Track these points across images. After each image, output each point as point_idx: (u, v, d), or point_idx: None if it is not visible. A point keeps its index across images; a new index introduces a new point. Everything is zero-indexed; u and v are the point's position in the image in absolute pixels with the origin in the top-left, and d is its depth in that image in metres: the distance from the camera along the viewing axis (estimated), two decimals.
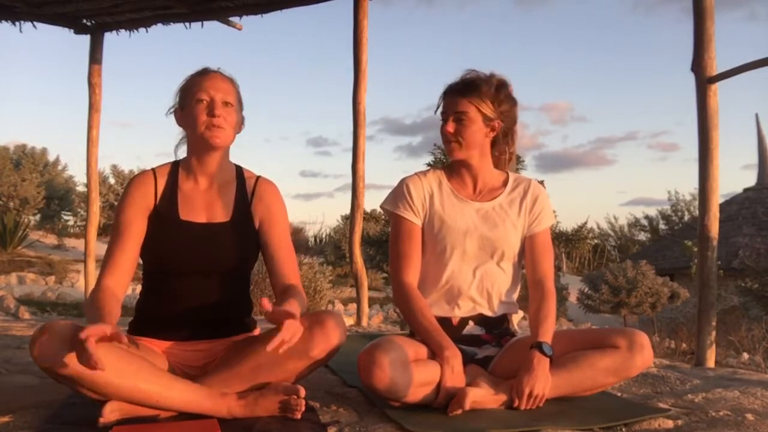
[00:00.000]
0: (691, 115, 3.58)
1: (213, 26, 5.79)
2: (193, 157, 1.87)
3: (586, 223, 13.14)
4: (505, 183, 2.10)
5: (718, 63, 3.52)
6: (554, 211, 2.43)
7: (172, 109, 1.89)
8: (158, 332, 1.85)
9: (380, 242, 12.60)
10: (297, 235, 21.53)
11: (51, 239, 16.40)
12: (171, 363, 1.82)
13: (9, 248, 13.06)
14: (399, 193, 2.06)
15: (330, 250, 17.95)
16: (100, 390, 1.58)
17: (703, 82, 3.51)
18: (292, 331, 1.55)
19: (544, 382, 1.80)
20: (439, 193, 2.05)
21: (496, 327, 2.05)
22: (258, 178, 1.95)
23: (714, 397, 2.07)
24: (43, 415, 1.74)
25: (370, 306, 6.03)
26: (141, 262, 1.89)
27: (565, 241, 12.87)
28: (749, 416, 1.77)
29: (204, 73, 1.85)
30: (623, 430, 1.72)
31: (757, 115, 16.53)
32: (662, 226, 23.26)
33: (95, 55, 5.99)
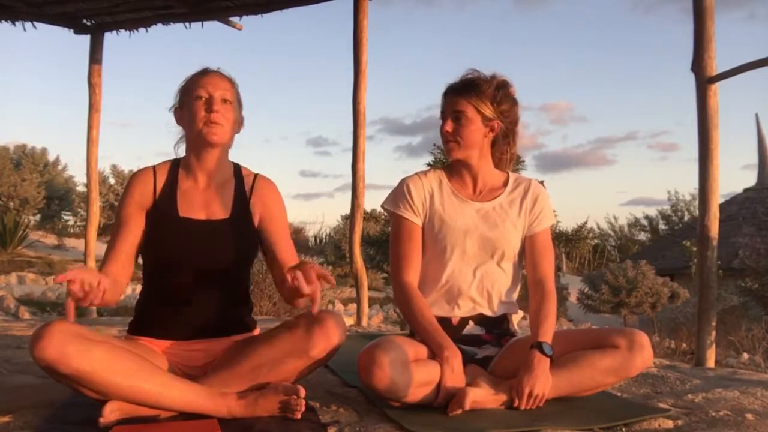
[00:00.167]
0: (691, 115, 3.58)
1: (213, 26, 5.80)
2: (192, 155, 1.88)
3: (586, 223, 13.09)
4: (505, 183, 2.10)
5: (718, 63, 3.53)
6: (554, 211, 2.43)
7: (172, 108, 1.91)
8: (158, 332, 1.85)
9: (380, 242, 12.58)
10: (297, 235, 21.52)
11: (51, 239, 16.40)
12: (171, 363, 1.82)
13: (9, 248, 13.06)
14: (399, 193, 2.06)
15: (330, 250, 17.95)
16: (99, 389, 1.58)
17: (703, 82, 3.51)
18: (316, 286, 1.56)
19: (544, 382, 1.80)
20: (439, 193, 2.05)
21: (496, 327, 2.05)
22: (256, 175, 1.96)
23: (714, 397, 2.07)
24: (43, 415, 1.74)
25: (370, 306, 6.03)
26: (141, 262, 1.90)
27: (565, 241, 12.84)
28: (749, 416, 1.77)
29: (203, 73, 1.87)
30: (623, 430, 1.72)
31: (757, 115, 16.51)
32: (662, 226, 23.26)
33: (95, 55, 5.98)
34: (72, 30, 5.96)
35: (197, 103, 1.81)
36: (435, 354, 1.86)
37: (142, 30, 5.90)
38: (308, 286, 1.56)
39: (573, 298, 13.22)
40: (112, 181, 17.78)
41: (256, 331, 1.96)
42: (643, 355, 1.86)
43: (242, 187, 1.92)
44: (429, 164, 11.79)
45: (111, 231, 1.87)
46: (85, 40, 6.00)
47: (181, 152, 1.93)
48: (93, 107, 5.99)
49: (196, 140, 1.84)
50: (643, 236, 24.34)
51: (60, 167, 19.74)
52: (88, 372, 1.54)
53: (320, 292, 1.59)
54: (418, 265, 2.02)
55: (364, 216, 5.41)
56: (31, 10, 5.53)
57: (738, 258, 11.78)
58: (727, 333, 6.80)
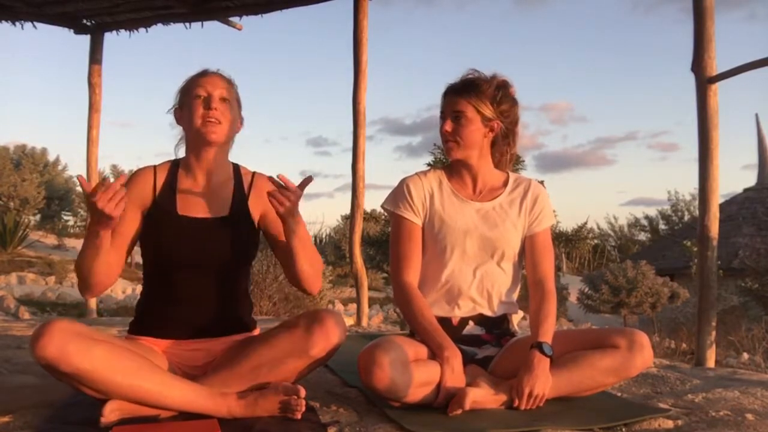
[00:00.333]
0: (691, 115, 3.58)
1: (213, 26, 5.80)
2: (192, 155, 1.89)
3: (586, 223, 13.11)
4: (505, 183, 2.10)
5: (718, 63, 3.53)
6: (554, 211, 2.43)
7: (172, 109, 1.92)
8: (158, 331, 1.85)
9: (380, 242, 12.58)
10: None
11: (51, 239, 16.40)
12: (171, 363, 1.82)
13: (9, 248, 13.06)
14: (399, 193, 2.06)
15: (330, 250, 17.96)
16: (100, 388, 1.59)
17: (703, 82, 3.51)
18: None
19: (544, 382, 1.80)
20: (439, 193, 2.05)
21: (496, 327, 2.04)
22: (254, 174, 1.97)
23: (714, 397, 2.07)
24: (43, 415, 1.74)
25: (370, 306, 6.03)
26: (141, 262, 1.90)
27: (565, 241, 12.86)
28: (749, 416, 1.77)
29: (203, 74, 1.89)
30: (623, 430, 1.72)
31: (757, 115, 16.51)
32: (662, 226, 23.26)
33: (95, 55, 5.98)
34: (72, 30, 5.96)
35: (196, 101, 1.83)
36: (435, 354, 1.86)
37: (142, 30, 5.89)
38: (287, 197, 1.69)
39: (573, 298, 13.22)
40: (112, 181, 17.75)
41: (256, 331, 1.96)
42: (643, 355, 1.86)
43: (241, 186, 1.93)
44: (429, 164, 11.79)
45: None
46: (85, 40, 6.00)
47: (181, 153, 1.94)
48: (93, 107, 5.99)
49: (195, 139, 1.85)
50: (643, 236, 24.35)
51: (60, 167, 19.75)
52: (88, 371, 1.55)
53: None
54: (418, 265, 2.02)
55: (364, 216, 5.41)
56: (31, 10, 5.53)
57: (738, 258, 11.78)
58: (727, 333, 6.79)
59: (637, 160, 46.30)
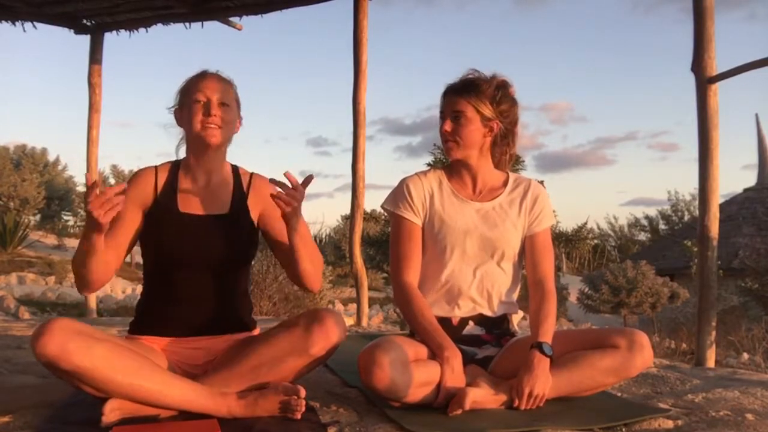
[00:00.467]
0: (691, 115, 3.58)
1: (213, 26, 5.80)
2: (192, 156, 1.92)
3: (586, 223, 13.10)
4: (505, 183, 2.10)
5: (718, 63, 3.52)
6: (554, 211, 2.43)
7: (172, 109, 1.94)
8: (158, 330, 1.86)
9: (380, 242, 12.58)
10: None
11: (51, 239, 16.41)
12: (171, 362, 1.82)
13: (9, 248, 13.06)
14: (399, 193, 2.06)
15: (330, 250, 17.97)
16: (100, 386, 1.59)
17: (703, 82, 3.51)
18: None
19: (544, 382, 1.80)
20: (439, 193, 2.05)
21: (496, 327, 2.04)
22: (252, 174, 2.01)
23: (714, 397, 2.07)
24: (43, 415, 1.74)
25: (370, 306, 6.03)
26: (142, 262, 1.91)
27: (565, 241, 12.85)
28: (749, 416, 1.77)
29: (202, 76, 1.90)
30: (623, 430, 1.72)
31: (757, 115, 16.50)
32: (662, 226, 23.27)
33: (95, 55, 5.98)
34: (72, 30, 5.96)
35: (196, 106, 1.85)
36: (435, 354, 1.86)
37: (142, 30, 5.89)
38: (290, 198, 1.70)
39: (573, 298, 13.22)
40: (112, 181, 17.77)
41: (256, 331, 1.97)
42: (643, 355, 1.86)
43: (240, 185, 1.96)
44: (429, 164, 11.79)
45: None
46: (85, 40, 5.99)
47: (182, 153, 1.97)
48: (93, 107, 5.98)
49: (195, 142, 1.88)
50: (643, 236, 24.35)
51: (60, 167, 19.76)
52: (88, 369, 1.55)
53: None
54: (418, 265, 2.02)
55: (364, 216, 5.41)
56: (31, 10, 5.53)
57: (738, 258, 11.78)
58: (727, 333, 6.79)
59: (637, 160, 46.36)
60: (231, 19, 5.73)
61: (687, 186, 24.79)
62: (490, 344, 2.03)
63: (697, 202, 4.13)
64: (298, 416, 1.67)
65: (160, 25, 5.75)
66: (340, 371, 2.33)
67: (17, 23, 5.63)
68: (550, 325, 1.91)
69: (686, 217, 22.15)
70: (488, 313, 2.03)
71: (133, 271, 12.80)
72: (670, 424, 1.75)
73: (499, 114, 1.99)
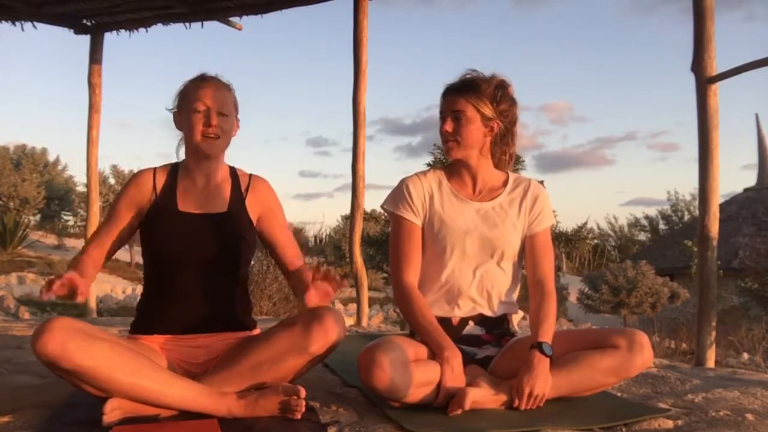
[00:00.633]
0: (691, 115, 3.59)
1: (213, 26, 5.80)
2: (191, 160, 1.96)
3: (586, 223, 13.09)
4: (505, 183, 2.10)
5: (718, 63, 3.53)
6: (554, 212, 2.43)
7: (171, 112, 1.97)
8: (158, 328, 1.87)
9: (380, 242, 12.58)
10: (297, 235, 21.51)
11: (51, 239, 16.40)
12: (171, 360, 1.83)
13: (9, 248, 13.06)
14: (399, 194, 2.06)
15: (330, 250, 17.98)
16: (100, 385, 1.60)
17: (703, 82, 3.51)
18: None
19: (544, 382, 1.80)
20: (439, 193, 2.05)
21: (496, 327, 2.04)
22: (251, 175, 2.04)
23: (714, 397, 2.07)
24: (43, 415, 1.74)
25: (370, 306, 6.03)
26: (141, 262, 1.93)
27: (565, 241, 12.84)
28: (749, 416, 1.77)
29: (201, 81, 1.92)
30: (623, 430, 1.72)
31: (757, 115, 16.49)
32: (662, 226, 23.27)
33: (95, 55, 5.98)
34: (72, 30, 5.96)
35: (195, 116, 1.88)
36: (435, 354, 1.86)
37: (142, 30, 5.90)
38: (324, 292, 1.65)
39: (573, 298, 13.22)
40: (112, 181, 17.78)
41: (256, 331, 1.97)
42: (643, 355, 1.86)
43: (238, 185, 1.99)
44: (429, 164, 11.79)
45: (104, 218, 1.98)
46: (85, 40, 6.00)
47: (182, 154, 1.99)
48: (93, 107, 5.99)
49: (195, 151, 1.92)
50: (643, 236, 24.36)
51: (60, 167, 19.78)
52: (89, 368, 1.56)
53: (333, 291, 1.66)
54: (418, 265, 2.02)
55: (364, 216, 5.41)
56: (31, 10, 5.53)
57: (738, 258, 11.79)
58: (727, 333, 6.80)
59: (637, 160, 46.38)
60: (231, 19, 5.73)
61: (687, 186, 24.82)
62: (490, 344, 2.03)
63: (697, 202, 4.13)
64: (298, 416, 1.67)
65: (160, 25, 5.76)
66: (340, 371, 2.33)
67: (17, 23, 5.64)
68: (550, 325, 1.91)
69: (686, 217, 22.16)
70: (488, 313, 2.03)
71: (133, 271, 12.81)
72: (670, 424, 1.75)
73: (499, 113, 1.99)
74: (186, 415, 1.67)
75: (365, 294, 4.98)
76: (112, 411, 1.60)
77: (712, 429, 1.67)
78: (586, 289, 11.75)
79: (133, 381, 1.60)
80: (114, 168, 18.16)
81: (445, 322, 1.98)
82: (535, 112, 43.28)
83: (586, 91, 51.46)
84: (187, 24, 5.70)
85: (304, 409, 1.68)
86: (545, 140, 48.84)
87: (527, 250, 2.06)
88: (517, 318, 2.12)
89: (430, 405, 1.81)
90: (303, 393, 1.68)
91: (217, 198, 1.94)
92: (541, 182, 2.87)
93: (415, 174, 2.10)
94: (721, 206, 4.67)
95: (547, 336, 1.88)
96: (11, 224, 13.26)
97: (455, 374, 1.82)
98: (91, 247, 1.91)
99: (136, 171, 1.99)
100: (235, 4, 5.38)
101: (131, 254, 14.33)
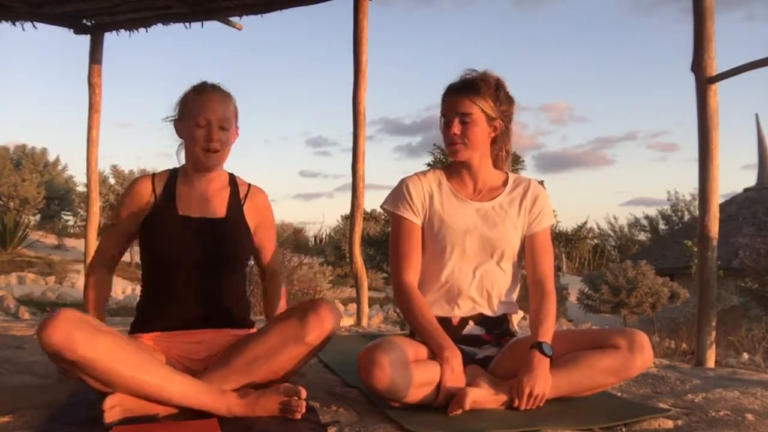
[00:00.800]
0: (691, 115, 3.58)
1: (213, 26, 5.80)
2: (191, 168, 2.00)
3: (585, 223, 13.15)
4: (504, 183, 2.10)
5: (718, 63, 3.53)
6: (554, 211, 2.43)
7: (171, 119, 2.00)
8: (158, 325, 1.90)
9: (380, 242, 12.60)
10: (297, 235, 21.53)
11: (51, 239, 16.40)
12: (172, 357, 1.86)
13: (9, 248, 13.06)
14: (399, 193, 2.06)
15: (330, 250, 17.97)
16: (102, 377, 1.61)
17: (703, 82, 3.51)
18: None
19: (544, 382, 1.80)
20: (438, 193, 2.05)
21: (496, 327, 2.04)
22: (250, 185, 2.09)
23: (714, 397, 2.07)
24: (43, 415, 1.74)
25: (370, 306, 6.02)
26: (141, 263, 1.96)
27: (565, 241, 12.87)
28: (749, 416, 1.77)
29: (203, 91, 1.95)
30: (623, 430, 1.72)
31: (757, 115, 16.49)
32: (662, 226, 23.27)
33: (95, 55, 5.98)
34: (72, 30, 5.96)
35: (197, 130, 1.91)
36: (435, 354, 1.86)
37: (142, 30, 5.90)
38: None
39: (573, 298, 13.22)
40: (112, 181, 17.75)
41: (254, 330, 1.98)
42: (643, 355, 1.86)
43: (237, 193, 2.04)
44: (429, 164, 11.80)
45: (111, 222, 2.06)
46: (85, 40, 6.00)
47: (182, 158, 2.03)
48: (93, 107, 5.99)
49: (195, 161, 1.96)
50: (643, 236, 24.36)
51: (60, 167, 19.77)
52: (92, 359, 1.57)
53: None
54: (418, 265, 2.02)
55: (364, 216, 5.41)
56: (31, 10, 5.53)
57: (738, 258, 11.79)
58: (727, 333, 6.80)
59: (637, 160, 46.36)
60: (231, 19, 5.73)
61: (687, 186, 24.83)
62: (490, 344, 2.03)
63: (697, 202, 4.13)
64: (299, 417, 1.67)
65: (160, 25, 5.76)
66: (340, 371, 2.33)
67: (17, 23, 5.64)
68: (550, 325, 1.91)
69: (686, 217, 22.16)
70: (488, 312, 2.03)
71: (133, 272, 12.80)
72: (670, 424, 1.75)
73: (501, 113, 1.99)
74: (185, 414, 1.67)
75: (365, 294, 4.98)
76: (112, 408, 1.60)
77: (712, 429, 1.67)
78: (586, 289, 11.75)
79: (134, 375, 1.62)
80: (114, 168, 18.10)
81: (445, 321, 1.98)
82: (535, 112, 43.29)
83: (586, 91, 51.50)
84: (187, 24, 5.70)
85: (304, 410, 1.68)
86: (545, 140, 48.87)
87: (527, 249, 2.06)
88: (517, 318, 2.12)
89: (430, 405, 1.81)
90: (303, 394, 1.68)
91: (216, 203, 1.99)
92: (541, 182, 2.87)
93: (415, 174, 2.10)
94: (721, 206, 4.68)
95: (547, 336, 1.88)
96: (11, 224, 13.26)
97: (455, 374, 1.82)
98: (109, 248, 2.03)
99: (135, 172, 2.01)
100: (235, 4, 5.38)
101: (131, 254, 14.32)
